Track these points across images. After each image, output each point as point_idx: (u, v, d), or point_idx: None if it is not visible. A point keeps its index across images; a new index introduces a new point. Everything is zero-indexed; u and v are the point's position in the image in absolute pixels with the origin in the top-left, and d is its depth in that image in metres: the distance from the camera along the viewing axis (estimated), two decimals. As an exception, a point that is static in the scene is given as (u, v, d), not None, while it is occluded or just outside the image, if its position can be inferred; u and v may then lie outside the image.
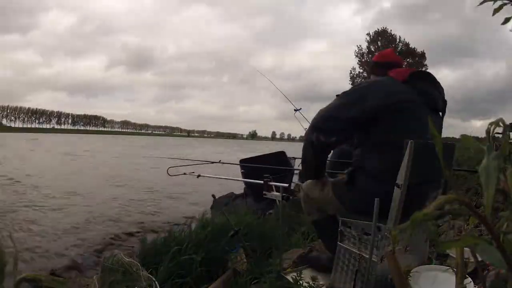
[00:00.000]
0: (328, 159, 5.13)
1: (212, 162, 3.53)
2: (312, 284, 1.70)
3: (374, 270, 1.54)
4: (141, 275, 2.09)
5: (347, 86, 28.43)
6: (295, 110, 5.95)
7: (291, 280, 1.76)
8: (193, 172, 2.88)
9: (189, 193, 7.20)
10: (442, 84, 1.68)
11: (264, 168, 4.01)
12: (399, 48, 27.40)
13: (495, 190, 0.29)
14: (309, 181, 1.89)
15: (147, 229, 4.38)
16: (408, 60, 27.18)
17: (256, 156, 5.50)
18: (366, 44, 27.94)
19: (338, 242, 1.72)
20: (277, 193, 2.04)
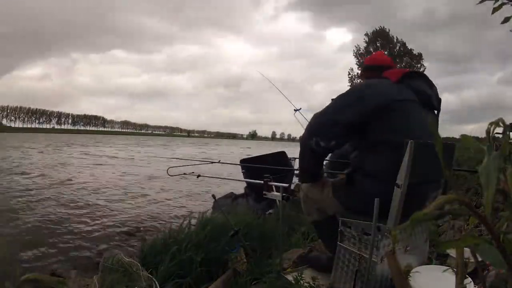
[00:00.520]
0: (328, 159, 5.16)
1: (212, 162, 3.53)
2: (312, 284, 1.70)
3: (374, 270, 1.54)
4: (141, 275, 2.09)
5: (344, 87, 28.47)
6: (295, 110, 5.97)
7: (291, 280, 1.76)
8: (193, 172, 2.88)
9: (189, 193, 7.21)
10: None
11: (264, 168, 4.01)
12: (396, 48, 27.40)
13: (495, 190, 0.29)
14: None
15: (147, 229, 4.38)
16: (405, 59, 27.18)
17: (256, 156, 5.50)
18: (365, 44, 27.95)
19: (338, 242, 1.72)
20: (277, 193, 2.04)
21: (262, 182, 2.13)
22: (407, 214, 1.26)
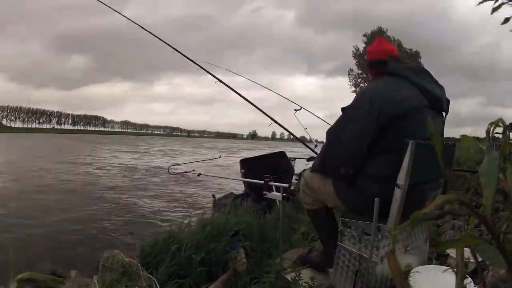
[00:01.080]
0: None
1: (213, 159, 3.53)
2: (312, 284, 1.70)
3: (374, 270, 1.54)
4: (141, 275, 2.09)
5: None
6: (295, 110, 5.97)
7: (291, 280, 1.76)
8: (194, 171, 2.89)
9: (189, 193, 7.21)
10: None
11: (264, 168, 4.01)
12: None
13: (495, 190, 0.29)
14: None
15: (147, 229, 4.38)
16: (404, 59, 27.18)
17: (256, 156, 5.50)
18: (364, 45, 27.97)
19: (338, 242, 1.72)
20: (277, 193, 2.04)
21: (262, 182, 2.13)
22: (407, 215, 1.26)
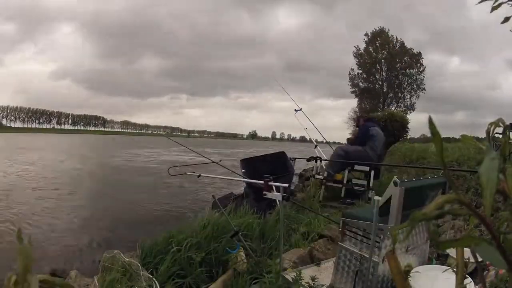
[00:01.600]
0: (328, 159, 5.15)
1: (212, 162, 3.52)
2: (312, 284, 1.70)
3: (376, 270, 1.54)
4: (141, 275, 2.09)
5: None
6: (295, 110, 5.98)
7: (291, 280, 1.76)
8: (194, 172, 2.88)
9: (189, 193, 7.20)
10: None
11: (264, 168, 4.01)
12: (396, 48, 27.34)
13: (495, 190, 0.29)
14: None
15: (147, 229, 4.37)
16: (405, 59, 27.11)
17: (256, 156, 5.50)
18: (364, 45, 27.93)
19: (339, 242, 1.72)
20: (277, 193, 2.04)
21: (262, 182, 2.13)
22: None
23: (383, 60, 27.42)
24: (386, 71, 27.58)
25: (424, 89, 27.02)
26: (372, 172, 4.34)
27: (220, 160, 3.49)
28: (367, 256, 1.56)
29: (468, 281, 1.26)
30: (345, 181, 4.48)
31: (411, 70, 27.26)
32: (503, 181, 0.32)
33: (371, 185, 4.30)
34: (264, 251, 2.57)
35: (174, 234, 2.58)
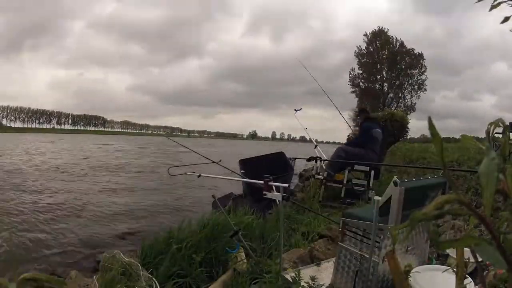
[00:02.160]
0: (328, 159, 5.16)
1: (213, 162, 3.52)
2: (312, 284, 1.70)
3: (376, 270, 1.54)
4: (141, 275, 2.09)
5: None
6: (295, 110, 5.98)
7: (291, 280, 1.76)
8: (194, 172, 2.88)
9: (189, 193, 7.20)
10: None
11: (264, 168, 4.01)
12: (396, 48, 27.35)
13: (495, 190, 0.29)
14: None
15: (147, 229, 4.37)
16: (406, 59, 27.11)
17: (256, 156, 5.50)
18: (365, 45, 27.92)
19: (339, 242, 1.72)
20: (277, 193, 2.04)
21: (262, 182, 2.13)
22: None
23: (384, 60, 27.42)
24: (386, 71, 27.59)
25: (425, 89, 27.04)
26: (372, 172, 4.35)
27: (220, 160, 3.49)
28: (367, 256, 1.56)
29: (468, 281, 1.26)
30: (345, 181, 4.48)
31: (412, 71, 27.27)
32: (503, 181, 0.32)
33: (371, 185, 4.30)
34: (264, 251, 2.57)
35: (174, 234, 2.58)
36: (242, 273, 2.24)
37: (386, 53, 27.35)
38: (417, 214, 0.29)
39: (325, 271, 2.05)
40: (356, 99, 27.55)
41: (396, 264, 0.71)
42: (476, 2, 0.77)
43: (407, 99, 27.09)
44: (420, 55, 27.40)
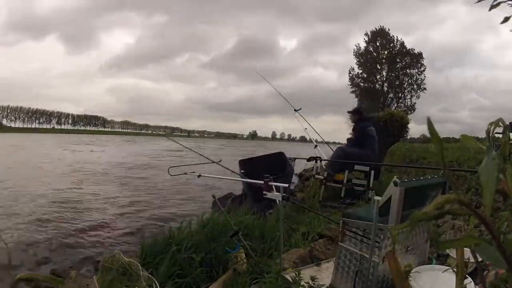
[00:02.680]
0: (328, 159, 5.16)
1: (213, 162, 3.52)
2: (312, 284, 1.70)
3: (376, 270, 1.54)
4: (141, 275, 2.09)
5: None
6: (295, 110, 5.98)
7: (291, 280, 1.76)
8: (194, 172, 2.88)
9: (189, 193, 7.20)
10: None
11: (264, 168, 4.01)
12: (397, 48, 27.32)
13: (495, 190, 0.29)
14: None
15: (147, 229, 4.37)
16: (406, 59, 27.09)
17: (255, 157, 5.51)
18: (365, 44, 27.88)
19: (339, 242, 1.72)
20: (277, 193, 2.04)
21: (262, 182, 2.13)
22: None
23: (383, 60, 27.40)
24: (386, 71, 27.56)
25: (425, 88, 27.03)
26: (372, 172, 4.35)
27: (220, 160, 3.49)
28: (367, 256, 1.56)
29: (468, 281, 1.26)
30: (345, 181, 4.48)
31: (412, 70, 27.25)
32: (503, 181, 0.32)
33: (371, 185, 4.30)
34: (264, 251, 2.57)
35: (174, 234, 2.58)
36: (242, 273, 2.24)
37: (386, 52, 27.32)
38: (417, 214, 0.29)
39: (325, 271, 2.06)
40: (356, 99, 27.55)
41: (396, 264, 0.71)
42: (476, 2, 0.78)
43: (407, 99, 27.08)
44: (419, 54, 27.39)
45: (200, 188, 7.28)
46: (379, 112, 7.26)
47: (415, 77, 27.16)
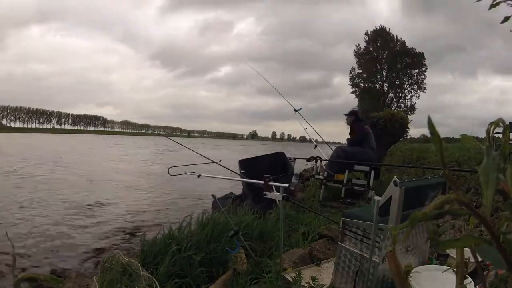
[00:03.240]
0: (329, 159, 5.16)
1: (213, 162, 3.52)
2: (312, 284, 1.70)
3: (376, 270, 1.54)
4: (141, 275, 2.09)
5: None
6: (295, 110, 5.98)
7: (291, 280, 1.76)
8: (194, 172, 2.88)
9: (189, 193, 7.20)
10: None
11: (264, 168, 4.01)
12: (397, 48, 27.28)
13: (495, 190, 0.29)
14: None
15: (147, 229, 4.37)
16: (406, 59, 27.04)
17: (255, 157, 5.50)
18: (365, 44, 27.83)
19: (339, 242, 1.72)
20: (277, 193, 2.04)
21: (262, 182, 2.13)
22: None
23: (383, 60, 27.36)
24: (386, 70, 27.53)
25: (425, 88, 27.00)
26: (372, 172, 4.35)
27: (220, 160, 3.49)
28: (367, 256, 1.56)
29: (468, 281, 1.26)
30: (345, 181, 4.48)
31: (413, 70, 27.21)
32: (503, 181, 0.32)
33: (371, 185, 4.30)
34: (264, 251, 2.57)
35: (174, 234, 2.58)
36: (242, 273, 2.24)
37: (386, 52, 27.27)
38: (417, 214, 0.29)
39: (325, 271, 2.06)
40: (356, 99, 27.52)
41: (396, 264, 0.71)
42: (475, 2, 0.78)
43: (407, 99, 27.06)
44: (421, 54, 27.32)
45: (200, 188, 7.28)
46: (379, 112, 7.24)
47: (415, 77, 27.14)
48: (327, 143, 6.99)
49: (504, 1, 0.71)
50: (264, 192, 2.10)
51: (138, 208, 5.68)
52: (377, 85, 27.75)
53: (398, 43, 27.45)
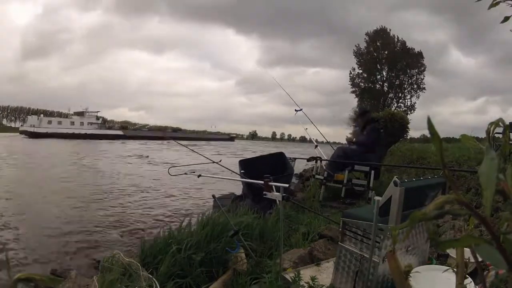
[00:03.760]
0: (329, 159, 5.16)
1: (213, 162, 3.52)
2: (312, 284, 1.70)
3: (376, 271, 1.54)
4: (141, 275, 2.09)
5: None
6: (295, 110, 5.98)
7: (291, 280, 1.76)
8: (194, 172, 2.89)
9: (189, 193, 7.20)
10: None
11: (264, 168, 4.01)
12: (396, 48, 27.28)
13: (495, 190, 0.29)
14: None
15: (147, 229, 4.37)
16: (406, 59, 27.05)
17: (255, 157, 5.50)
18: (365, 44, 27.82)
19: (339, 242, 1.72)
20: (277, 193, 2.04)
21: (262, 182, 2.13)
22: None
23: (384, 60, 27.37)
24: (386, 71, 27.54)
25: (424, 88, 27.02)
26: (372, 172, 4.35)
27: (220, 160, 3.49)
28: (367, 256, 1.56)
29: (468, 281, 1.26)
30: (345, 181, 4.48)
31: (412, 70, 27.23)
32: (503, 181, 0.32)
33: (371, 185, 4.30)
34: (264, 251, 2.57)
35: (174, 234, 2.58)
36: (242, 273, 2.24)
37: (386, 52, 27.28)
38: (417, 214, 0.29)
39: (325, 271, 2.06)
40: (356, 99, 27.52)
41: (396, 264, 0.71)
42: (476, 1, 0.77)
43: (407, 99, 27.07)
44: (419, 54, 27.33)
45: (200, 188, 7.28)
46: (379, 112, 7.25)
47: (415, 77, 27.16)
48: (329, 143, 6.99)
49: (504, 1, 0.71)
50: (264, 192, 2.10)
51: (138, 208, 5.68)
52: (377, 85, 27.76)
53: (399, 43, 27.46)
